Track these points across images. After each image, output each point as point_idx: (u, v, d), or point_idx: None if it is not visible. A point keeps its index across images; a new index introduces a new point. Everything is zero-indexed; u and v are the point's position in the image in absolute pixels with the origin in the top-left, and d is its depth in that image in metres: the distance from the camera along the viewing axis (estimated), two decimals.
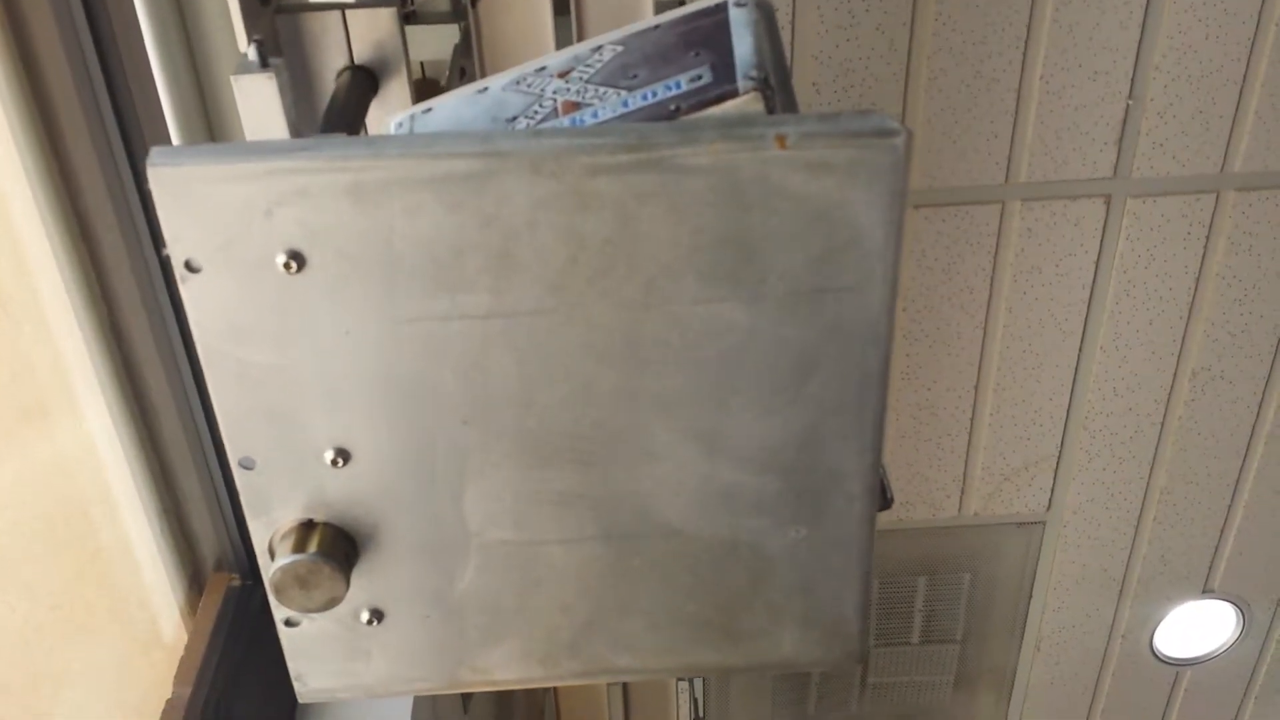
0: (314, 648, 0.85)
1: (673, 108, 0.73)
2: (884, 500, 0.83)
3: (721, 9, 0.78)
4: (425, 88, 1.32)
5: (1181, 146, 2.38)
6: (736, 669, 0.88)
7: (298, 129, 0.84)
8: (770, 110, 0.72)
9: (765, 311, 0.75)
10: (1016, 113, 2.31)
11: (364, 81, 1.05)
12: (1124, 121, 2.34)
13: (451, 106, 0.80)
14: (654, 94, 0.74)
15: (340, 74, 1.10)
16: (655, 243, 0.72)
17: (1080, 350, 2.71)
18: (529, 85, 0.79)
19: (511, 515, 0.81)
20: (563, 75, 0.78)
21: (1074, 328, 2.68)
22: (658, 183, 0.70)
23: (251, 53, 0.82)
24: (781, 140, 0.69)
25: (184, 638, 1.50)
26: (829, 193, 0.71)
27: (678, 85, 0.74)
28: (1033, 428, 2.85)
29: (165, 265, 0.69)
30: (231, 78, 0.82)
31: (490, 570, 0.83)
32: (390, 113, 1.14)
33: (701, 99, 0.73)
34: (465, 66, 1.30)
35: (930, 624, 3.27)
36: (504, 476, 0.80)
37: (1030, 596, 3.22)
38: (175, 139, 1.39)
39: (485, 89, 0.81)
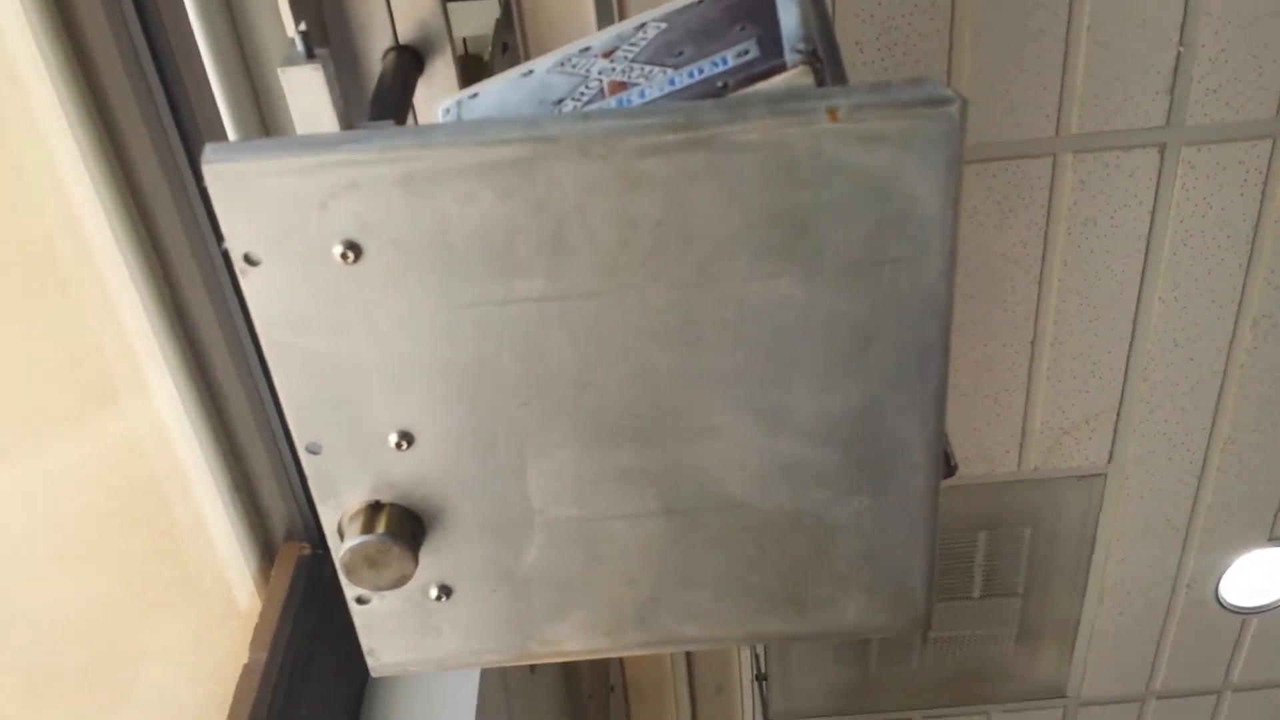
0: (385, 624, 0.87)
1: (720, 85, 0.72)
2: (947, 468, 0.83)
3: None
4: (469, 64, 1.33)
5: (1235, 92, 2.33)
6: (802, 636, 0.88)
7: (347, 117, 0.85)
8: (820, 83, 0.72)
9: (821, 286, 0.74)
10: (1065, 64, 2.26)
11: (409, 62, 1.05)
12: (1175, 69, 2.29)
13: (497, 91, 0.80)
14: (700, 71, 0.73)
15: (386, 55, 1.11)
16: (707, 221, 0.72)
17: (1138, 301, 2.67)
18: (574, 66, 0.79)
19: (574, 493, 0.82)
20: (607, 55, 0.78)
21: (1131, 279, 2.64)
22: (707, 161, 0.70)
23: (298, 43, 0.83)
24: (833, 113, 0.68)
25: (258, 606, 1.54)
26: (883, 164, 0.70)
27: (724, 61, 0.73)
28: (1091, 381, 2.82)
29: (225, 254, 0.70)
30: (279, 70, 0.83)
31: (555, 546, 0.84)
32: (436, 92, 1.14)
33: (749, 74, 0.72)
34: (508, 41, 1.29)
35: (991, 578, 3.26)
36: (565, 455, 0.80)
37: (1093, 549, 3.19)
38: (228, 122, 1.41)
39: (530, 71, 0.81)
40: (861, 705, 3.44)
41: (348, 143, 0.70)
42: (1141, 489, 3.02)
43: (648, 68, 0.76)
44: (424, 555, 0.84)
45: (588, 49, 0.80)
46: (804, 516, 0.83)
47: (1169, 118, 2.35)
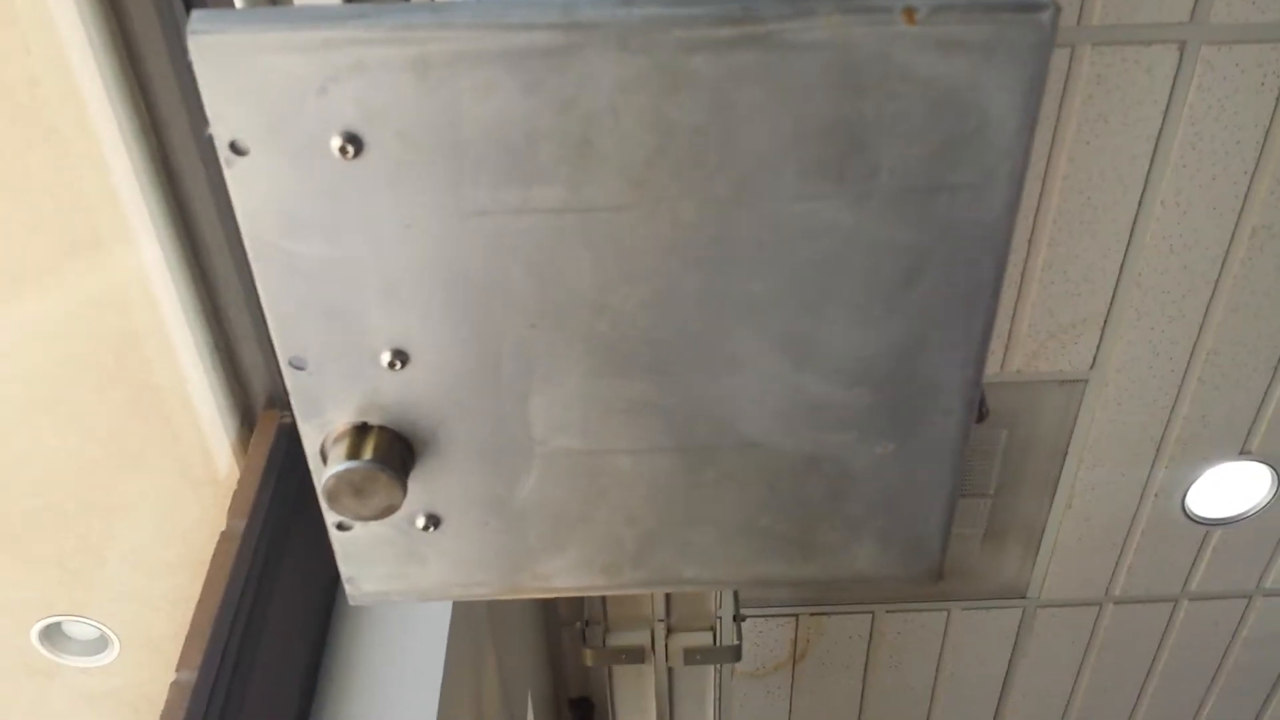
0: (367, 552, 0.81)
1: None
2: (980, 414, 0.77)
3: None
4: None
5: None
6: (808, 580, 0.83)
7: None
8: None
9: (872, 210, 0.67)
10: None
11: None
12: None
13: None
14: None
15: None
16: (753, 131, 0.64)
17: (1140, 204, 2.62)
18: None
19: (579, 424, 0.75)
20: None
21: (1135, 181, 2.58)
22: (762, 62, 0.61)
23: None
24: (910, 15, 0.60)
25: (236, 474, 1.49)
26: (959, 75, 0.62)
27: None
28: (1084, 284, 2.78)
29: (210, 139, 0.61)
30: None
31: (554, 479, 0.78)
32: None
33: None
34: None
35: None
36: (573, 383, 0.73)
37: (1066, 454, 3.20)
38: None
39: None
40: (824, 596, 3.47)
41: (355, 18, 0.60)
42: (1121, 396, 3.01)
43: None
44: (412, 483, 0.77)
45: None
46: (823, 460, 0.77)
47: (1193, 14, 2.27)
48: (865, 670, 3.71)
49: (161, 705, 1.23)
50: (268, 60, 0.61)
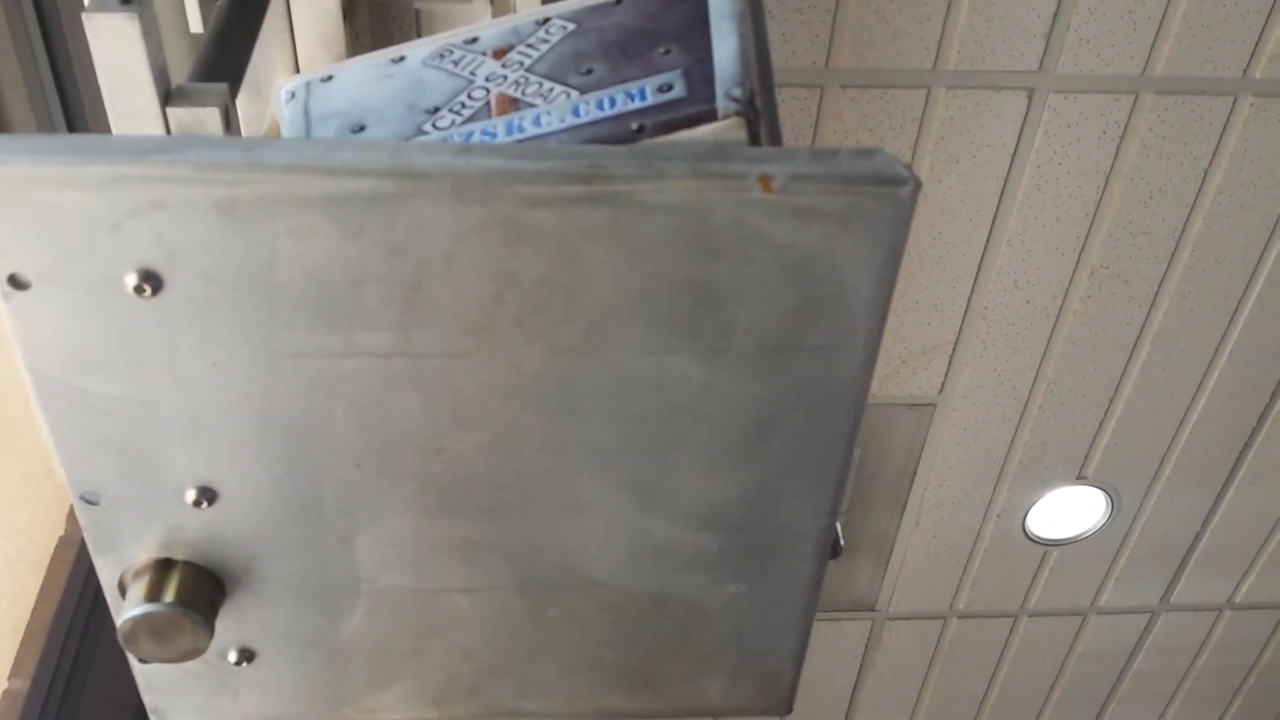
0: (173, 684, 0.74)
1: (635, 126, 0.58)
2: (834, 552, 0.74)
3: None
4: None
5: (1107, 45, 2.36)
6: (654, 715, 0.79)
7: (166, 75, 0.67)
8: (754, 140, 0.59)
9: (725, 366, 0.63)
10: None
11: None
12: (1054, 15, 2.29)
13: (357, 78, 0.63)
14: (612, 103, 0.59)
15: None
16: (601, 285, 0.59)
17: (988, 242, 2.72)
18: (456, 63, 0.63)
19: (410, 562, 0.70)
20: (499, 55, 0.62)
21: (984, 219, 2.67)
22: (610, 219, 0.57)
23: None
24: (766, 182, 0.56)
25: None
26: (815, 243, 0.59)
27: (642, 95, 0.59)
28: (934, 314, 2.85)
29: None
30: (83, 16, 0.63)
31: (382, 615, 0.72)
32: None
33: (671, 118, 0.58)
34: None
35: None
36: (403, 523, 0.68)
37: (914, 474, 3.28)
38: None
39: (402, 58, 0.64)
40: None
41: (155, 152, 0.54)
42: (966, 421, 3.09)
43: (547, 84, 0.61)
44: (224, 616, 0.71)
45: (475, 40, 0.64)
46: (672, 599, 0.73)
47: (1042, 63, 2.35)
48: None
49: None
50: (54, 196, 0.53)
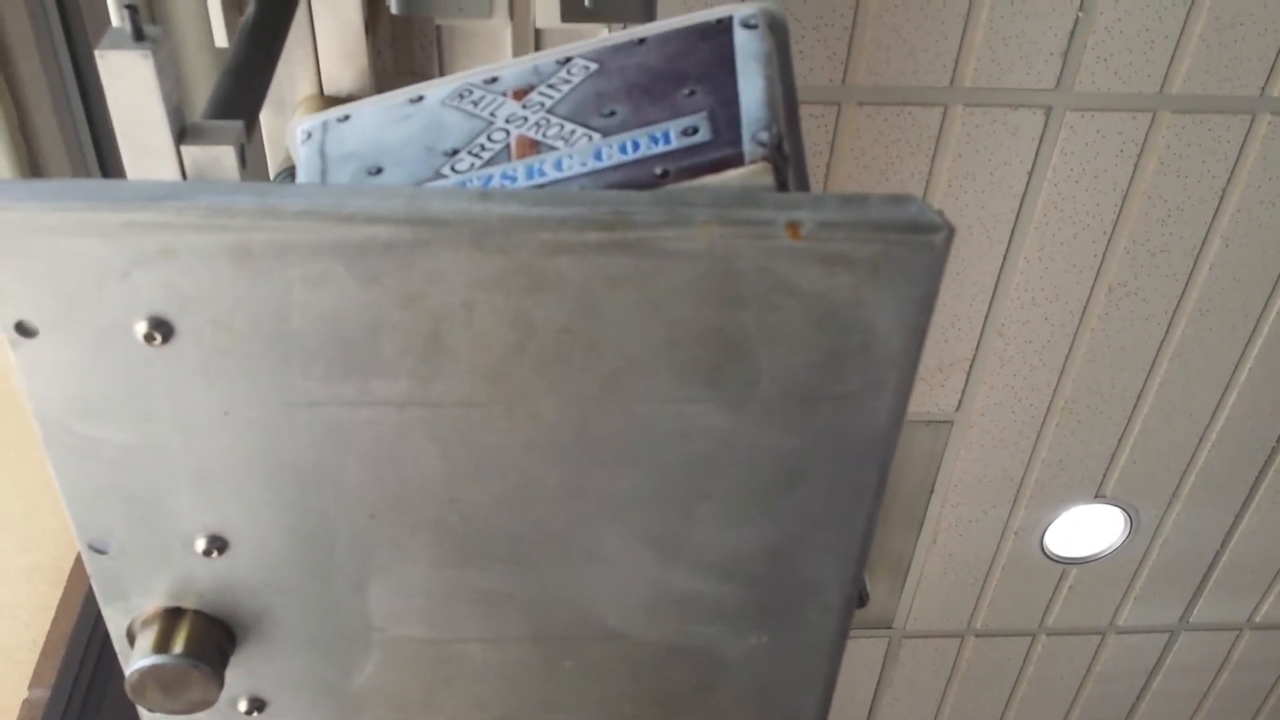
0: None
1: (659, 171, 0.56)
2: (860, 602, 0.72)
3: (725, 29, 0.60)
4: None
5: (1124, 63, 2.34)
6: None
7: (181, 112, 0.65)
8: (781, 185, 0.57)
9: (750, 416, 0.61)
10: (969, 15, 2.21)
11: (269, 30, 0.84)
12: (1071, 33, 2.27)
13: (375, 119, 0.62)
14: (635, 146, 0.57)
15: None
16: (623, 334, 0.58)
17: (1005, 259, 2.70)
18: (476, 103, 0.61)
19: (424, 612, 0.68)
20: (519, 96, 0.61)
21: (1001, 237, 2.66)
22: (633, 267, 0.55)
23: (123, 21, 0.62)
24: (794, 229, 0.54)
25: None
26: (844, 292, 0.57)
27: (666, 139, 0.57)
28: (951, 331, 2.84)
29: None
30: (97, 53, 0.62)
31: (394, 666, 0.70)
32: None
33: (696, 163, 0.56)
34: None
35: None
36: (418, 573, 0.66)
37: (932, 491, 3.25)
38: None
39: (420, 98, 0.63)
40: None
41: (166, 199, 0.52)
42: (984, 438, 3.07)
43: (569, 126, 0.59)
44: (235, 665, 0.69)
45: (495, 80, 0.62)
46: (691, 651, 0.71)
47: (1059, 81, 2.34)
48: None
49: None
50: (61, 242, 0.52)
